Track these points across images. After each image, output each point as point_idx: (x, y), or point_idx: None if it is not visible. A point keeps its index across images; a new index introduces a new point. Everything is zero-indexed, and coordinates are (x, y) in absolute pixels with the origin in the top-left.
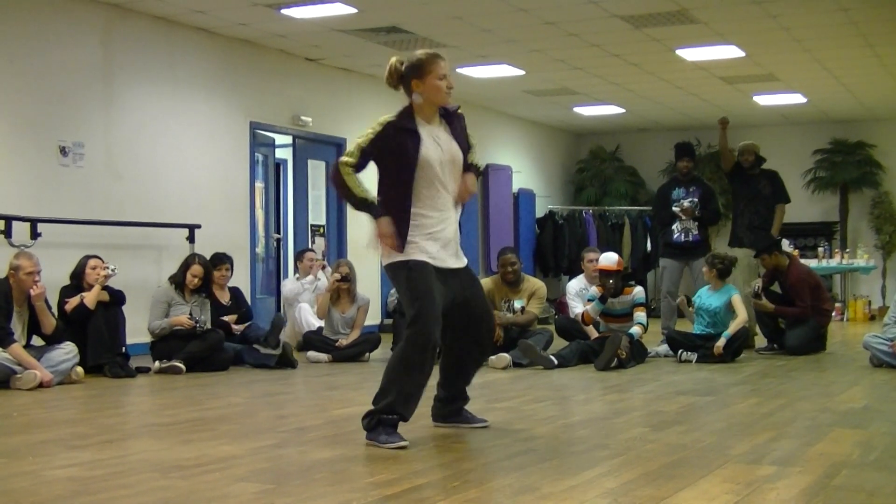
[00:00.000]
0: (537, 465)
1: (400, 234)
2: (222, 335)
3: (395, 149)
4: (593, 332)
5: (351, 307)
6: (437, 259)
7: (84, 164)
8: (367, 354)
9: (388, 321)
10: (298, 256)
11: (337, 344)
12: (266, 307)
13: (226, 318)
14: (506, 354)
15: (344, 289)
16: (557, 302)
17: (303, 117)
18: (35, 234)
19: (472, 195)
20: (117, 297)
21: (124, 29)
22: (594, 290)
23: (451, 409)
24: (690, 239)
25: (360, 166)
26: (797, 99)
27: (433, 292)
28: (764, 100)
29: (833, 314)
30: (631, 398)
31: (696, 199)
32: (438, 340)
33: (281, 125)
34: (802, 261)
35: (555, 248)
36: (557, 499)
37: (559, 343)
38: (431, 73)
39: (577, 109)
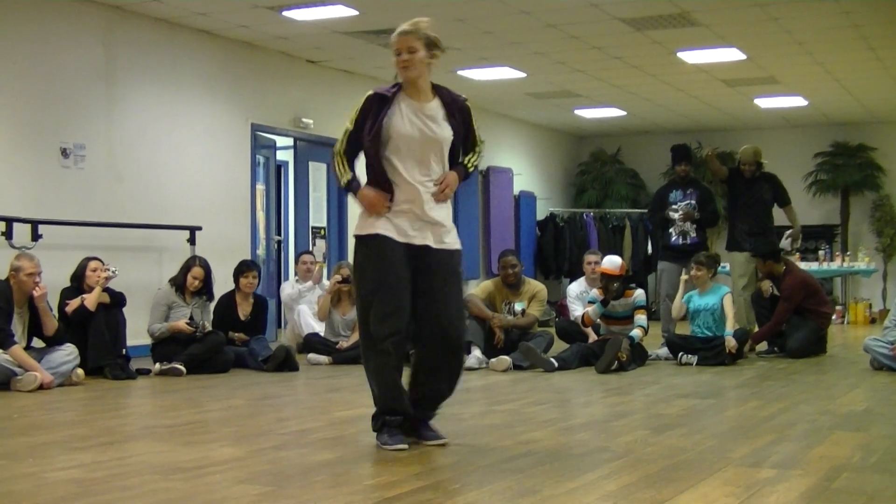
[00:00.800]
0: (537, 467)
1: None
2: (223, 337)
3: (371, 117)
4: (592, 335)
5: (352, 309)
6: (406, 236)
7: (85, 166)
8: None
9: None
10: (297, 259)
11: (338, 346)
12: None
13: (235, 336)
14: (506, 357)
15: (345, 291)
16: (558, 304)
17: (304, 119)
18: (36, 236)
19: (450, 192)
20: (118, 299)
21: (126, 31)
22: (595, 293)
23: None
24: (689, 242)
25: (352, 150)
26: (798, 102)
27: (388, 280)
28: (765, 102)
29: (833, 317)
30: (631, 401)
31: (693, 202)
32: (396, 328)
33: (282, 127)
34: (803, 264)
35: (556, 251)
36: (557, 501)
37: (560, 345)
38: (393, 51)
39: (578, 112)
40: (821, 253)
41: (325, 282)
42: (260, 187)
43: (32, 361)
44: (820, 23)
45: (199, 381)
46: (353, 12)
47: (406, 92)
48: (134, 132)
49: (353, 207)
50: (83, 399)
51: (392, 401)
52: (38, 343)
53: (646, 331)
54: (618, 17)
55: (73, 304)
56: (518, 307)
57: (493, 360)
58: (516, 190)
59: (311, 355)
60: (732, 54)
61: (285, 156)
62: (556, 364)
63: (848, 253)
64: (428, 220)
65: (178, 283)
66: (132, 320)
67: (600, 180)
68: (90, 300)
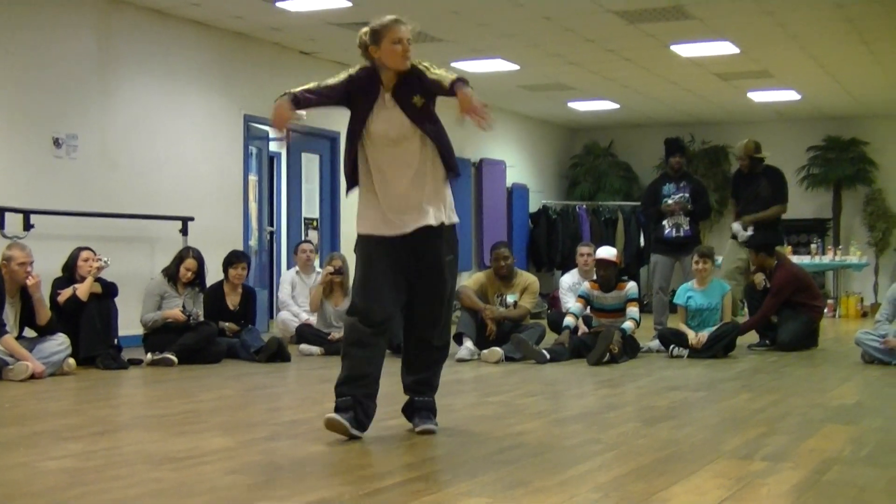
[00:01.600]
0: (529, 459)
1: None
2: (215, 328)
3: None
4: (583, 327)
5: (344, 300)
6: (381, 228)
7: (78, 156)
8: None
9: None
10: (295, 249)
11: (329, 337)
12: (259, 300)
13: (226, 326)
14: (498, 349)
15: (337, 282)
16: (550, 297)
17: (297, 111)
18: (28, 226)
19: (475, 108)
20: (110, 289)
21: (119, 21)
22: (586, 286)
23: (406, 403)
24: (682, 234)
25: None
26: (791, 95)
27: (371, 274)
28: (758, 96)
29: (825, 311)
30: (623, 393)
31: (686, 195)
32: (375, 322)
33: None
34: (795, 258)
35: (548, 243)
36: (549, 493)
37: (552, 337)
38: (386, 38)
39: (571, 104)
40: (813, 247)
41: (318, 270)
42: (252, 178)
43: (24, 351)
44: (813, 17)
45: (191, 371)
46: (347, 4)
47: (380, 81)
48: (127, 122)
49: (346, 199)
50: (75, 389)
51: (352, 381)
52: (29, 333)
53: (638, 323)
54: (612, 10)
55: (64, 294)
56: (510, 299)
57: (484, 351)
58: (509, 182)
59: (303, 346)
60: (726, 48)
61: (278, 147)
62: (548, 356)
63: (840, 247)
64: (402, 195)
65: (171, 273)
66: (124, 310)
67: (593, 173)
68: (82, 290)
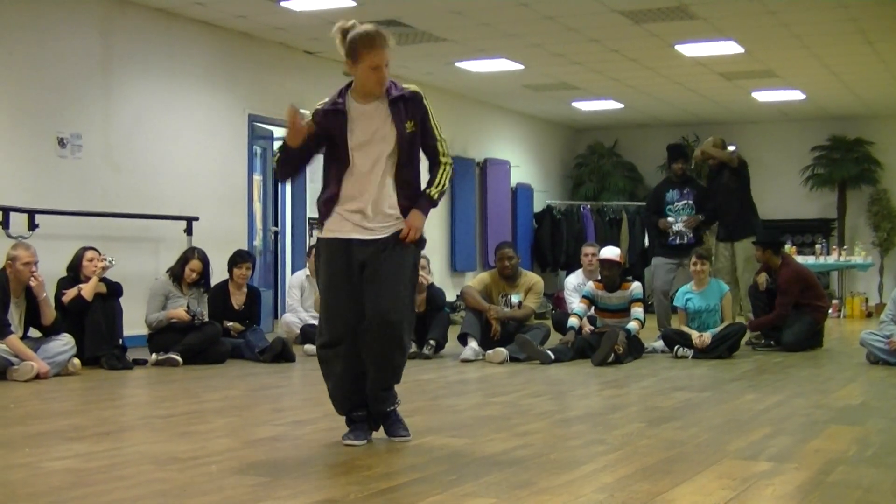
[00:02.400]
0: (534, 459)
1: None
2: (219, 328)
3: (322, 131)
4: (587, 327)
5: None
6: (339, 231)
7: (82, 156)
8: None
9: None
10: (309, 251)
11: None
12: (264, 300)
13: (230, 325)
14: (503, 349)
15: None
16: (555, 297)
17: (301, 110)
18: (32, 226)
19: (415, 235)
20: (115, 289)
21: (123, 20)
22: (591, 286)
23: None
24: (686, 242)
25: (287, 165)
26: (796, 95)
27: (332, 288)
28: (763, 96)
29: (830, 311)
30: (628, 393)
31: (690, 201)
32: (337, 338)
33: (279, 118)
34: (800, 258)
35: (552, 243)
36: (554, 493)
37: (556, 337)
38: (364, 61)
39: (575, 104)
40: (817, 247)
41: None
42: (257, 178)
43: (29, 351)
44: (818, 16)
45: (196, 371)
46: (352, 3)
47: (354, 95)
48: (131, 122)
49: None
50: (79, 389)
51: (333, 400)
52: (34, 333)
53: (642, 323)
54: (616, 10)
55: (69, 294)
56: (514, 299)
57: (489, 352)
58: (513, 182)
59: (308, 346)
60: (730, 47)
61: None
62: (553, 356)
63: (844, 247)
64: (364, 208)
65: (176, 273)
66: (129, 310)
67: (597, 173)
68: (87, 290)
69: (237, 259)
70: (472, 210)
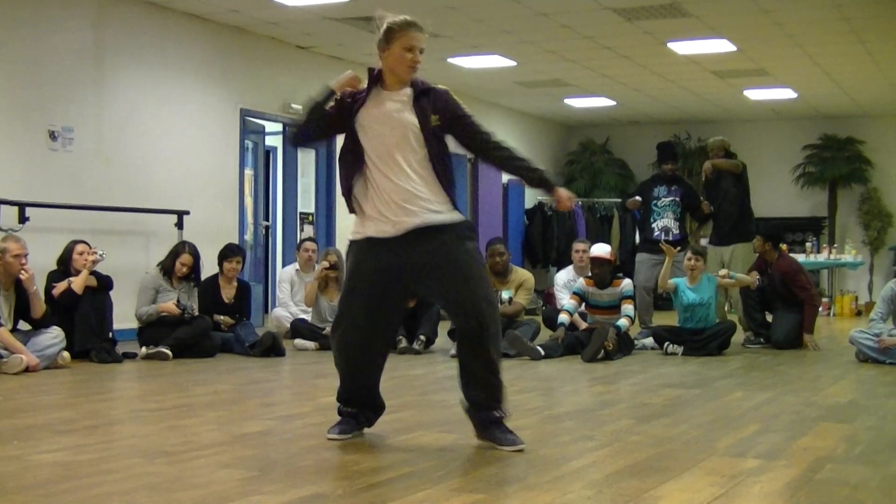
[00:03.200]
0: (523, 455)
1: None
2: (209, 322)
3: (346, 111)
4: (580, 323)
5: (338, 295)
6: (377, 232)
7: (73, 149)
8: None
9: None
10: (298, 246)
11: (324, 332)
12: (255, 295)
13: (220, 319)
14: None
15: (332, 277)
16: (545, 293)
17: (293, 105)
18: (23, 219)
19: (568, 202)
20: (105, 283)
21: (116, 14)
22: (581, 282)
23: (475, 420)
24: (671, 238)
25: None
26: (788, 94)
27: (356, 288)
28: (755, 94)
29: (820, 309)
30: (617, 390)
31: (677, 199)
32: (350, 341)
33: (271, 112)
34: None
35: (543, 240)
36: (542, 489)
37: (546, 334)
38: (399, 41)
39: (567, 101)
40: (808, 245)
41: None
42: (248, 172)
43: (18, 344)
44: (811, 15)
45: (186, 365)
46: None
47: (382, 84)
48: (123, 116)
49: (342, 195)
50: (69, 382)
51: (342, 391)
52: (24, 326)
53: (633, 320)
54: (609, 7)
55: (59, 288)
56: (505, 295)
57: None
58: (504, 179)
59: (298, 341)
60: (723, 45)
61: (274, 141)
62: (543, 352)
63: (835, 245)
64: (396, 201)
65: (166, 267)
66: (119, 304)
67: (589, 170)
68: (77, 283)
69: (227, 253)
70: (463, 207)
